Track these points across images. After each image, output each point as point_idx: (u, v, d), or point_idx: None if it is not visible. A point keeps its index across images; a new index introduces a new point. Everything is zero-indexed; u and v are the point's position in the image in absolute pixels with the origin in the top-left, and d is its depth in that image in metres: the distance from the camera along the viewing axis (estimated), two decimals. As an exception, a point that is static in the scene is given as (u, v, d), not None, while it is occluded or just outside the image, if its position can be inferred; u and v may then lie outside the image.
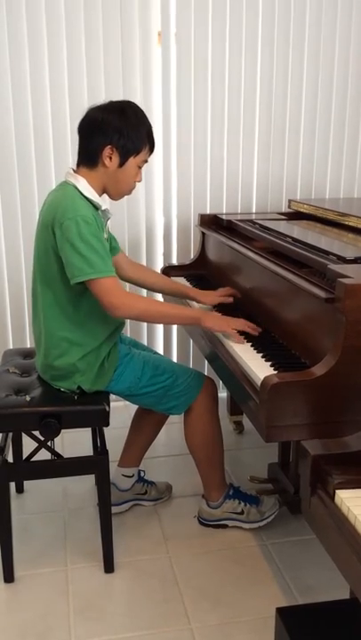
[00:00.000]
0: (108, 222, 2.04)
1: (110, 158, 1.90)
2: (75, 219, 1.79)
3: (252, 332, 1.94)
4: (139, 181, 2.02)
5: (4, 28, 2.66)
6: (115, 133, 1.88)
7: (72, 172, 1.95)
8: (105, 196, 2.00)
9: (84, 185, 1.90)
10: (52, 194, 1.95)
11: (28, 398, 1.95)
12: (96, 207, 1.91)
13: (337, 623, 1.38)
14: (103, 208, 1.94)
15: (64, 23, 2.71)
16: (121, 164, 1.92)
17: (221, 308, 2.21)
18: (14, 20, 2.67)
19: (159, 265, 3.05)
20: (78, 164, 1.96)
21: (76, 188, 1.89)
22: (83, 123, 1.93)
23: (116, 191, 1.99)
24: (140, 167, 1.98)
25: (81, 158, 1.95)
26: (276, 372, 1.65)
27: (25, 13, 2.66)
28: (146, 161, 2.00)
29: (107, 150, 1.89)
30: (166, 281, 2.40)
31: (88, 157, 1.92)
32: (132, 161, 1.93)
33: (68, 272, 1.82)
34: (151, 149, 1.99)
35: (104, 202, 1.97)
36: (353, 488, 1.14)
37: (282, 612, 1.40)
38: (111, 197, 2.02)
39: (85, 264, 1.79)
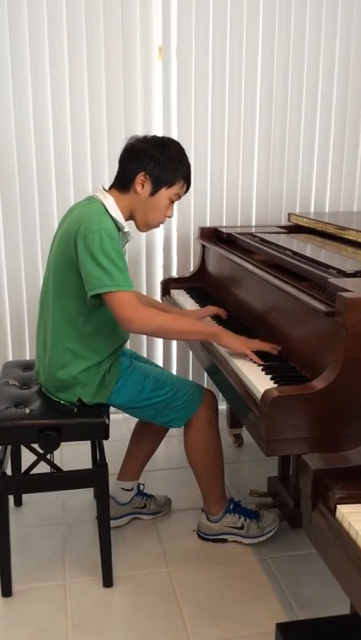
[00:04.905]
0: (126, 245, 2.05)
1: (142, 185, 1.92)
2: (99, 232, 1.79)
3: (273, 352, 1.88)
4: (169, 216, 2.03)
5: (7, 45, 2.68)
6: (150, 161, 1.91)
7: (102, 188, 1.96)
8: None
9: (111, 203, 1.91)
10: (78, 207, 1.95)
11: (27, 411, 1.94)
12: (119, 228, 1.91)
13: (337, 639, 1.37)
14: (125, 230, 1.95)
15: (65, 37, 2.73)
16: (152, 193, 1.94)
17: (220, 322, 2.22)
18: (17, 37, 2.68)
19: (159, 277, 3.06)
20: (111, 186, 1.99)
21: (103, 204, 1.90)
22: (123, 150, 1.97)
23: (144, 221, 2.00)
24: (172, 201, 1.99)
25: (115, 182, 1.98)
26: (276, 385, 1.65)
27: (27, 29, 2.68)
28: (179, 196, 2.01)
29: (140, 177, 1.92)
30: (150, 301, 2.39)
31: (122, 181, 1.95)
32: (163, 192, 1.95)
33: (87, 283, 1.82)
34: (187, 186, 2.00)
35: (127, 226, 1.98)
36: (354, 503, 1.14)
37: (282, 628, 1.39)
38: (138, 227, 2.03)
39: (106, 276, 1.78)
